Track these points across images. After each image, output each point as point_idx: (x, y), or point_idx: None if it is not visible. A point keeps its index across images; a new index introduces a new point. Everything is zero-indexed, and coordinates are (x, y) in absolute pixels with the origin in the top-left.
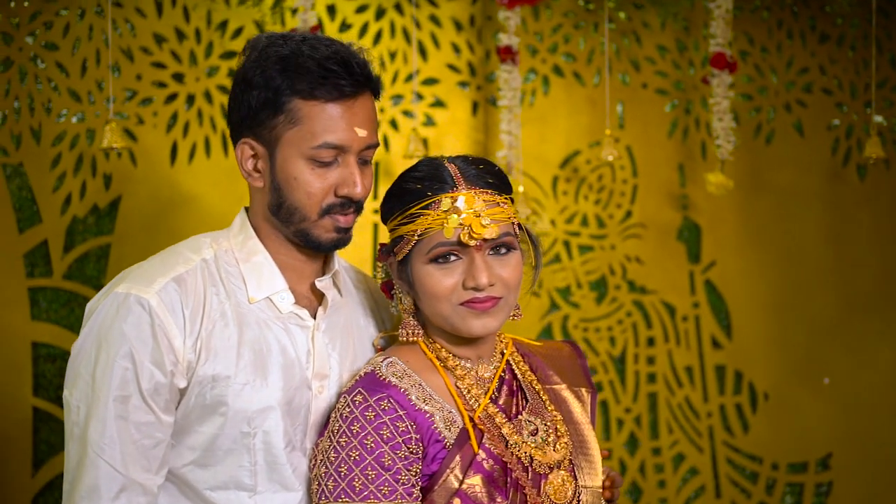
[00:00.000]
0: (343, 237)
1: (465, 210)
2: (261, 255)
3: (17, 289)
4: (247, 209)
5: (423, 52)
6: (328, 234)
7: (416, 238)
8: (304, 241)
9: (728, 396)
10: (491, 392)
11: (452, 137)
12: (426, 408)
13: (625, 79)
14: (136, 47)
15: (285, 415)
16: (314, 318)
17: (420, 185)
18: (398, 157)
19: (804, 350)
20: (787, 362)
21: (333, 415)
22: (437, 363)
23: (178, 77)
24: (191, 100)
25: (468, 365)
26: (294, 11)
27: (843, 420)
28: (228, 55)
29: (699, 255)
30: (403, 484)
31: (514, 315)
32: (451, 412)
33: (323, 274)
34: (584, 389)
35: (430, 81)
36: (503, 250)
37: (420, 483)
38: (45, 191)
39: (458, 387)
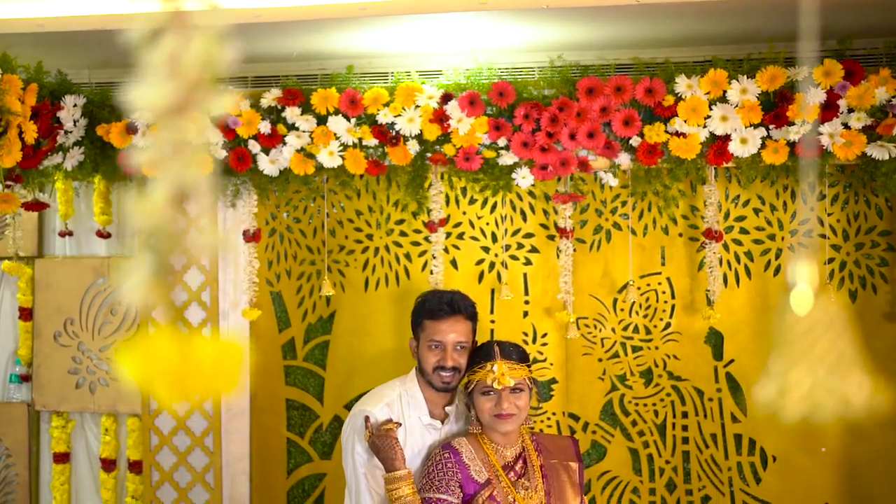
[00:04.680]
0: (447, 386)
1: (497, 372)
2: (418, 394)
3: (277, 366)
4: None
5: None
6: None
7: (475, 382)
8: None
9: None
10: (505, 462)
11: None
12: (468, 463)
13: None
14: (344, 219)
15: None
16: (442, 424)
17: (479, 355)
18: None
19: None
20: None
21: None
22: (483, 444)
23: (369, 237)
24: (376, 251)
25: (499, 447)
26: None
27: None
28: (399, 222)
29: None
30: (451, 490)
31: (527, 423)
32: (481, 470)
33: (449, 404)
34: (572, 463)
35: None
36: (517, 391)
37: (461, 494)
38: (293, 307)
39: (490, 458)
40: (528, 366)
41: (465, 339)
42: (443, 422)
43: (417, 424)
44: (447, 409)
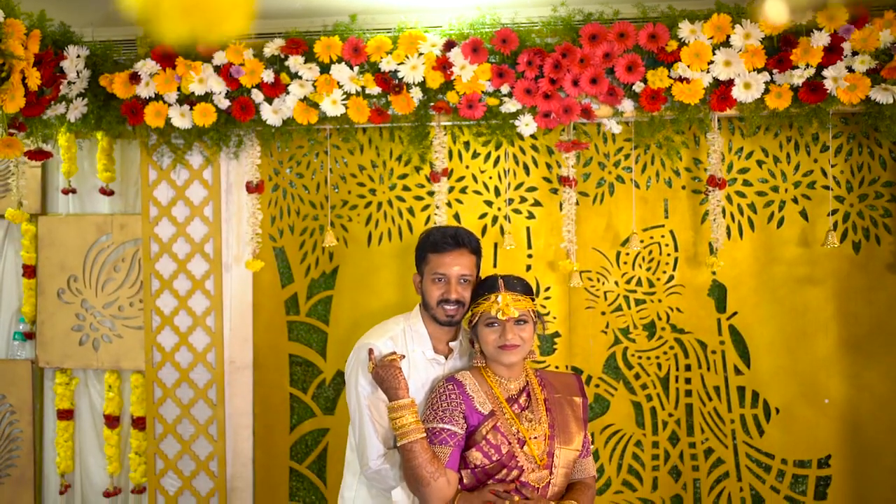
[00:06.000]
0: (451, 320)
1: (501, 303)
2: (422, 329)
3: (280, 321)
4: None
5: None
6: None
7: (479, 314)
8: (434, 319)
9: None
10: (510, 395)
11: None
12: (472, 395)
13: None
14: (347, 173)
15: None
16: (446, 359)
17: (483, 287)
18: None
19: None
20: None
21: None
22: (487, 377)
23: (372, 191)
24: (379, 206)
25: (503, 381)
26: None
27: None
28: (402, 176)
29: None
30: (456, 420)
31: (530, 356)
32: (485, 402)
33: (453, 339)
34: (576, 398)
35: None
36: (522, 322)
37: (465, 425)
38: (296, 262)
39: (494, 390)
40: (533, 298)
41: (469, 272)
42: (446, 357)
43: (421, 359)
44: (451, 344)
